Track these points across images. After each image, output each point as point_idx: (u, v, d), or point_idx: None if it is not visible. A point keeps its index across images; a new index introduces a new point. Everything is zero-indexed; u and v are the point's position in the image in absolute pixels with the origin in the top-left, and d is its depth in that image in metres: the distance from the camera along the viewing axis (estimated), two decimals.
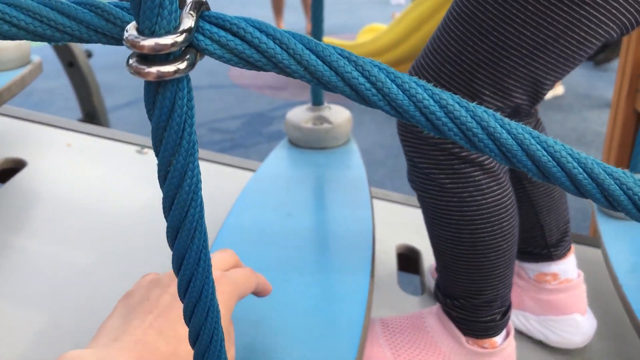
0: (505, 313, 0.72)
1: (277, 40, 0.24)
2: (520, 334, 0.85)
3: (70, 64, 2.35)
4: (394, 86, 0.24)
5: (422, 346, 0.72)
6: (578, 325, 0.80)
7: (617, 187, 0.24)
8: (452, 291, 0.71)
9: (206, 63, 0.94)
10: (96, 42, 0.26)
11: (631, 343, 0.87)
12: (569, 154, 0.24)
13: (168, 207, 0.26)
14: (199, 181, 0.26)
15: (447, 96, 0.24)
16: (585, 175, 0.24)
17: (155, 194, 0.99)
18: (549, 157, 0.24)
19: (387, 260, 1.00)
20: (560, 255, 0.81)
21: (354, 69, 0.24)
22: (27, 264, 0.81)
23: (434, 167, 0.65)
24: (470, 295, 0.69)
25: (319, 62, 0.24)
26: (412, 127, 0.64)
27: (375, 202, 1.15)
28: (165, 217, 0.27)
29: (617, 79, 1.95)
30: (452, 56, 0.60)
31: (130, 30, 0.23)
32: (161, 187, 0.26)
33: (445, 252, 0.69)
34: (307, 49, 0.24)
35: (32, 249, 0.84)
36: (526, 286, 0.82)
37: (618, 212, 0.69)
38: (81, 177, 1.03)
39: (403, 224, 1.09)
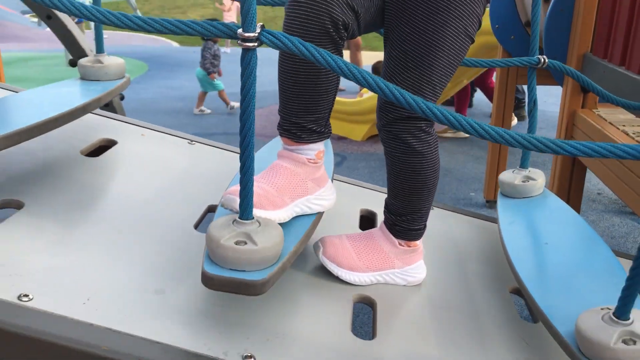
0: (425, 226, 1.18)
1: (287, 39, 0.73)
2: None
3: (107, 105, 3.03)
4: (385, 87, 0.73)
5: (371, 247, 1.18)
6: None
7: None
8: (401, 211, 1.16)
9: None
10: (224, 37, 0.75)
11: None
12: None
13: (243, 111, 0.75)
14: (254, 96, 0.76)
15: (409, 95, 0.73)
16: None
17: (190, 176, 1.47)
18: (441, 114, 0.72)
19: (355, 220, 1.46)
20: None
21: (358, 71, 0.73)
22: (116, 211, 1.28)
23: (406, 133, 1.10)
24: (413, 212, 1.16)
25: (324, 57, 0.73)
26: (393, 109, 1.09)
27: (356, 188, 1.62)
28: (240, 119, 0.75)
29: (558, 125, 2.47)
30: (411, 74, 1.07)
31: (240, 31, 0.72)
32: (241, 93, 0.75)
33: (402, 187, 1.14)
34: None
35: (126, 194, 1.31)
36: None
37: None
38: (151, 155, 1.51)
39: (366, 196, 1.55)
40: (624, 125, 2.15)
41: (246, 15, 0.72)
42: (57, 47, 9.87)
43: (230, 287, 0.84)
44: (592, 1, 2.39)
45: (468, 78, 4.99)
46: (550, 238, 1.28)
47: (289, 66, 1.04)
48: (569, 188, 2.77)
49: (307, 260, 1.20)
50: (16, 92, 1.54)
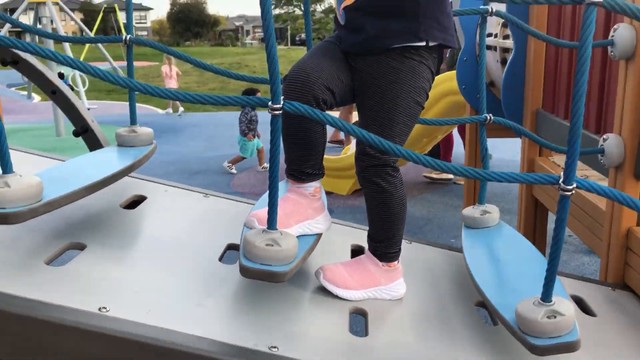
0: (400, 249, 1.50)
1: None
2: None
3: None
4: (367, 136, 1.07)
5: (361, 269, 1.49)
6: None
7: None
8: (380, 238, 1.48)
9: None
10: (258, 107, 1.09)
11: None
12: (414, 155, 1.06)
13: (272, 154, 1.08)
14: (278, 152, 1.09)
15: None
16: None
17: (209, 221, 1.78)
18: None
19: (347, 252, 1.76)
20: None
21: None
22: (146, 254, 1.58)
23: (378, 177, 1.43)
24: (388, 238, 1.47)
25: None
26: (369, 154, 1.41)
27: (348, 228, 1.93)
28: (270, 160, 1.09)
29: (520, 170, 2.83)
30: (376, 131, 1.41)
31: (270, 104, 1.06)
32: (270, 143, 1.09)
33: (377, 219, 1.47)
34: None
35: (161, 236, 1.62)
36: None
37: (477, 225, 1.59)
38: (173, 208, 1.82)
39: (355, 234, 1.87)
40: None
41: (275, 93, 1.08)
42: (45, 119, 10.23)
43: (261, 276, 1.18)
44: (540, 66, 2.80)
45: (442, 133, 5.43)
46: (503, 257, 1.60)
47: (291, 130, 1.39)
48: (534, 230, 3.12)
49: (311, 284, 1.50)
50: (63, 160, 1.85)
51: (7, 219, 1.16)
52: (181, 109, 9.69)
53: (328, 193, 5.37)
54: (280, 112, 1.12)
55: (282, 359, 1.14)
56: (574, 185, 1.07)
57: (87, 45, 16.66)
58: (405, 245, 1.86)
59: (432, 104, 4.83)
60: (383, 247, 1.49)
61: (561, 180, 1.08)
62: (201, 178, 6.05)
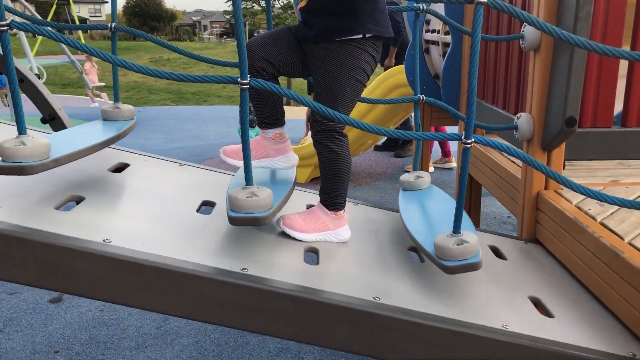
0: (345, 201, 1.84)
1: None
2: None
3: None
4: (316, 105, 1.39)
5: (313, 217, 1.82)
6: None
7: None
8: (328, 191, 1.82)
9: None
10: (228, 83, 1.41)
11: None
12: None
13: (242, 118, 1.40)
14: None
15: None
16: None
17: (185, 184, 2.08)
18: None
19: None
20: None
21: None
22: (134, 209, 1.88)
23: (327, 140, 1.76)
24: (334, 190, 1.81)
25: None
26: (319, 121, 1.75)
27: (304, 192, 2.26)
28: (241, 128, 1.40)
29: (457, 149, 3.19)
30: (325, 102, 1.74)
31: (239, 79, 1.38)
32: (240, 116, 1.40)
33: (327, 175, 1.80)
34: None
35: (145, 193, 1.91)
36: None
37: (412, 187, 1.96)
38: (153, 173, 2.11)
39: (310, 197, 2.20)
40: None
41: (242, 71, 1.39)
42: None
43: (247, 222, 1.51)
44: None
45: (394, 124, 5.83)
46: (430, 210, 1.96)
47: (251, 94, 1.74)
48: (470, 203, 3.52)
49: (272, 230, 1.82)
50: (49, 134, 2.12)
51: (23, 170, 1.44)
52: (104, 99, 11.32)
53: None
54: (247, 86, 1.43)
55: (250, 277, 1.46)
56: (472, 140, 1.43)
57: (40, 38, 16.49)
58: (352, 206, 2.22)
59: (385, 94, 5.24)
60: (331, 198, 1.82)
61: (463, 137, 1.43)
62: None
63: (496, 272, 1.88)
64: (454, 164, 6.11)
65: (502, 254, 2.07)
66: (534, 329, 1.54)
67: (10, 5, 10.33)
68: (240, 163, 1.80)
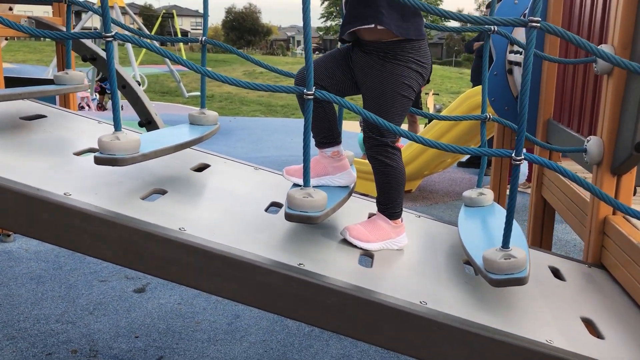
0: (402, 209, 1.93)
1: None
2: None
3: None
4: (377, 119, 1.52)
5: (376, 226, 1.92)
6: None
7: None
8: (386, 201, 1.92)
9: None
10: (295, 93, 1.55)
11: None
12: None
13: (305, 129, 1.54)
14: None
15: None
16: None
17: (257, 185, 2.25)
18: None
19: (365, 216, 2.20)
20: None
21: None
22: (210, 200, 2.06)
23: (381, 155, 1.87)
24: (392, 201, 1.91)
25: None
26: (371, 137, 1.86)
27: (364, 200, 2.37)
28: (304, 137, 1.55)
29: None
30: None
31: (305, 90, 1.52)
32: (304, 125, 1.54)
33: (383, 187, 1.90)
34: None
35: (223, 191, 2.09)
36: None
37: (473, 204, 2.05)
38: (230, 174, 2.30)
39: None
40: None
41: (309, 82, 1.53)
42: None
43: (301, 219, 1.63)
44: (552, 80, 3.18)
45: (475, 144, 5.82)
46: (489, 227, 2.01)
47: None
48: (542, 227, 3.48)
49: (334, 233, 1.94)
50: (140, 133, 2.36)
51: (116, 161, 1.65)
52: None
53: (362, 194, 5.87)
54: (312, 97, 1.57)
55: (305, 271, 1.59)
56: (522, 157, 1.48)
57: (144, 49, 17.71)
58: (414, 218, 2.30)
59: (465, 114, 5.25)
60: (389, 208, 1.92)
61: (513, 153, 1.49)
62: None
63: (551, 290, 1.90)
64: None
65: (561, 275, 2.08)
66: (580, 347, 1.56)
67: (121, 17, 11.21)
68: (301, 181, 1.90)
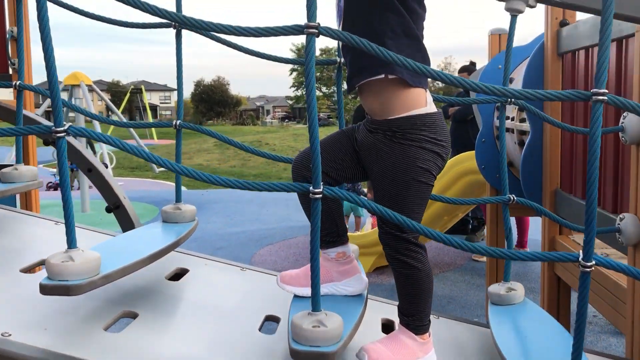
0: (430, 320, 1.58)
1: None
2: None
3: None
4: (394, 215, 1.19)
5: (400, 345, 1.55)
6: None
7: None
8: (412, 312, 1.56)
9: None
10: (299, 191, 1.22)
11: None
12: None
13: (313, 245, 1.20)
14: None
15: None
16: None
17: (246, 293, 1.88)
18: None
19: (377, 326, 1.84)
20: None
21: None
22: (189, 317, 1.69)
23: (401, 255, 1.54)
24: (419, 312, 1.55)
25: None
26: (389, 233, 1.52)
27: (377, 303, 2.02)
28: (311, 247, 1.21)
29: (542, 249, 2.91)
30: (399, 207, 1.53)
31: (310, 188, 1.19)
32: (311, 234, 1.21)
33: (411, 294, 1.55)
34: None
35: (204, 306, 1.72)
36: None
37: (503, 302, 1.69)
38: (213, 281, 1.93)
39: (384, 308, 1.95)
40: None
41: (316, 179, 1.21)
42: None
43: (312, 357, 1.25)
44: (556, 148, 2.95)
45: (463, 212, 5.55)
46: (530, 334, 1.67)
47: (306, 206, 1.57)
48: (557, 307, 3.15)
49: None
50: (114, 235, 2.00)
51: (68, 290, 1.27)
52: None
53: None
54: (320, 196, 1.23)
55: None
56: (593, 262, 1.17)
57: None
58: (433, 320, 1.94)
59: (452, 182, 5.01)
60: (415, 320, 1.57)
61: (580, 257, 1.18)
62: (222, 254, 6.16)
63: None
64: None
65: None
66: None
67: (88, 95, 10.94)
68: (300, 290, 1.59)
